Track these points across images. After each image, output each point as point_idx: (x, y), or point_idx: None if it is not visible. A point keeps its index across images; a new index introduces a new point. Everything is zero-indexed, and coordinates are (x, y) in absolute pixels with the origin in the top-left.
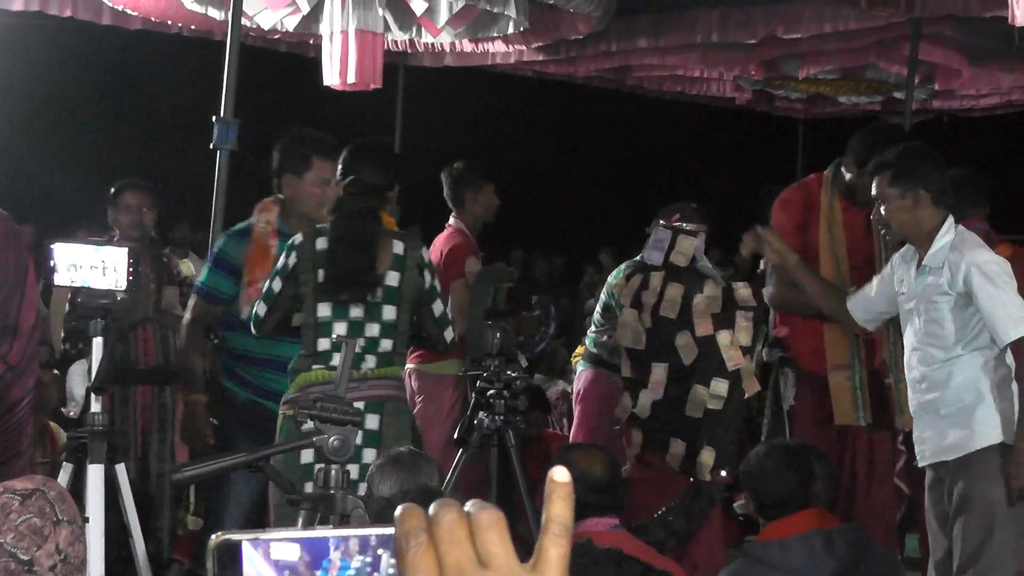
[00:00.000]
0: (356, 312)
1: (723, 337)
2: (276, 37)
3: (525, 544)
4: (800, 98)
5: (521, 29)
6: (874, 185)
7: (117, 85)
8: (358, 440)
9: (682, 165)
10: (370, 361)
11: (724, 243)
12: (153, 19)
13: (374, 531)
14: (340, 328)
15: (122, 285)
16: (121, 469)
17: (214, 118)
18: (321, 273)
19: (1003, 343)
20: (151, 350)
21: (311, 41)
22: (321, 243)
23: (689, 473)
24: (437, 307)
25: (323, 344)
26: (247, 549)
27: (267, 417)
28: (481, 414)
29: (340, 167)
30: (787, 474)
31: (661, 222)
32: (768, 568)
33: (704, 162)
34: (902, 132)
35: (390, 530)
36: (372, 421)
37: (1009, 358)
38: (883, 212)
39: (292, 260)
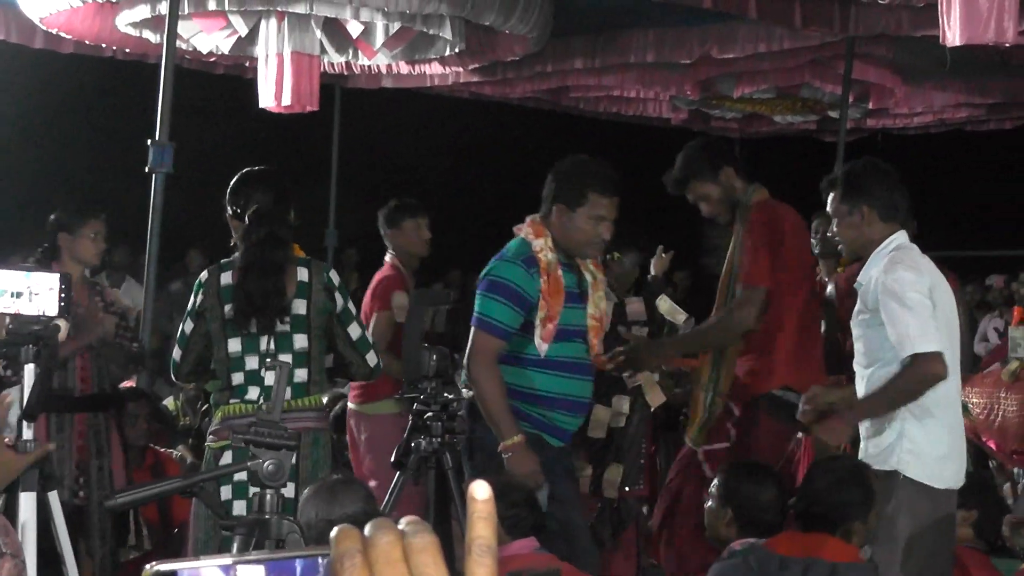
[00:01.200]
0: (265, 344)
1: None
2: (212, 60)
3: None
4: (736, 117)
5: (457, 50)
6: (828, 203)
7: (51, 108)
8: None
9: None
10: (286, 392)
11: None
12: (87, 42)
13: (304, 553)
14: (252, 362)
15: (53, 311)
16: (54, 496)
17: (149, 141)
18: (228, 308)
19: (900, 361)
20: (88, 377)
21: (247, 63)
22: (226, 278)
23: (597, 493)
24: (353, 330)
25: (237, 378)
26: None
27: (553, 452)
28: (419, 437)
29: (228, 196)
30: (773, 496)
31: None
32: None
33: (641, 182)
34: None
35: (325, 551)
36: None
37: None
38: (835, 229)
39: (199, 298)
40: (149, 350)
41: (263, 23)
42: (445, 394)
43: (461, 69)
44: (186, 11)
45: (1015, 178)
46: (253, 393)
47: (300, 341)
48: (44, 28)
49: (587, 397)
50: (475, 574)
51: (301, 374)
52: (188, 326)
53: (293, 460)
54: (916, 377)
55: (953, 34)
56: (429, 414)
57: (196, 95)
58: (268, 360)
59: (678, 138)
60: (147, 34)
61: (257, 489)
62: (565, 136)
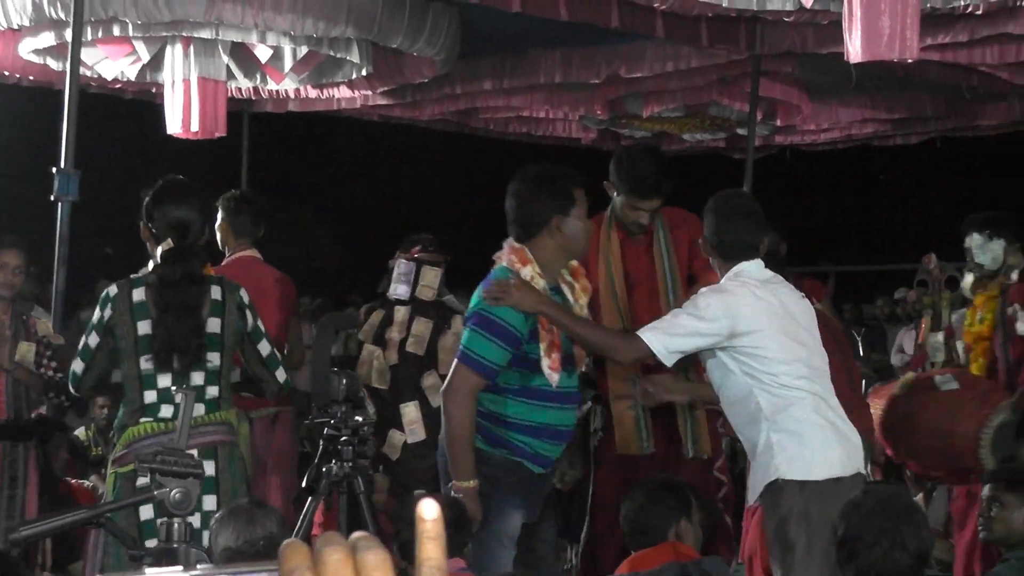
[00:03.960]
0: (178, 362)
1: None
2: (119, 86)
3: None
4: (645, 136)
5: (365, 73)
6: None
7: None
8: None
9: None
10: (199, 408)
11: None
12: None
13: (256, 569)
14: (164, 380)
15: None
16: None
17: (54, 169)
18: (141, 326)
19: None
20: (1, 404)
21: (153, 90)
22: (139, 294)
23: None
24: (263, 348)
25: (149, 396)
26: None
27: (532, 479)
28: (330, 462)
29: (145, 208)
30: (656, 507)
31: (403, 255)
32: None
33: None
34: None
35: (273, 567)
36: (208, 467)
37: (776, 393)
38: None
39: (107, 313)
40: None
41: (168, 49)
42: (355, 418)
43: (369, 92)
44: (90, 38)
45: (922, 192)
46: (166, 411)
47: (214, 359)
48: None
49: (571, 425)
50: None
51: (213, 391)
52: (93, 340)
53: (207, 479)
54: (611, 345)
55: (857, 51)
56: (340, 439)
57: (103, 122)
58: (173, 388)
59: (588, 158)
60: (51, 62)
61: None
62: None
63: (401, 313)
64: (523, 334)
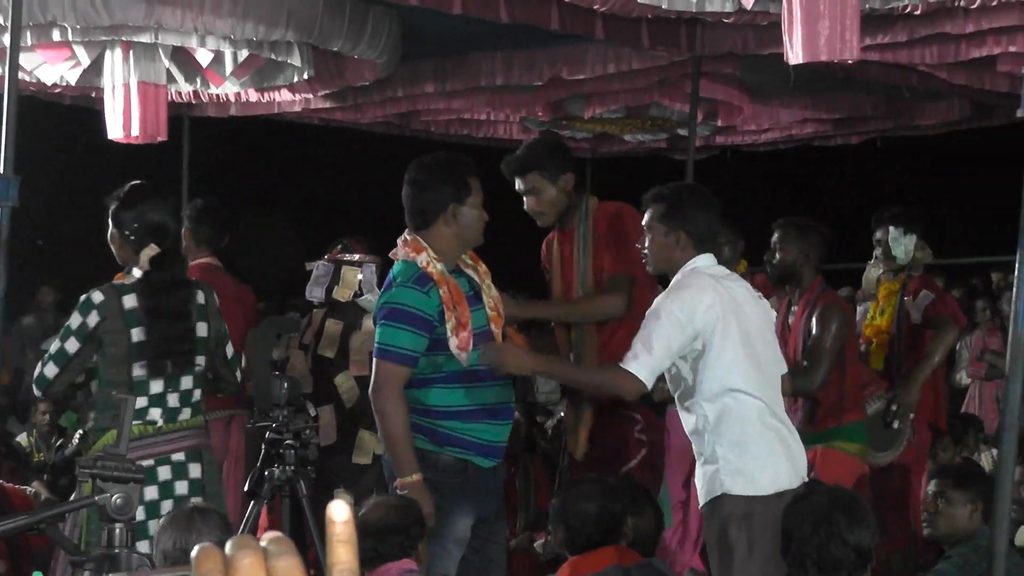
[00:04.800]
0: (171, 367)
1: None
2: (58, 91)
3: None
4: (587, 137)
5: (306, 77)
6: (646, 214)
7: None
8: (183, 490)
9: None
10: (185, 412)
11: (515, 287)
12: None
13: (168, 572)
14: (156, 385)
15: None
16: None
17: None
18: (135, 333)
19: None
20: None
21: (93, 95)
22: (129, 301)
23: None
24: (229, 349)
25: (140, 401)
26: None
27: (481, 476)
28: (272, 465)
29: (118, 214)
30: (598, 510)
31: (325, 257)
32: None
33: (492, 205)
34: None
35: (186, 571)
36: (195, 470)
37: (720, 401)
38: (646, 243)
39: (93, 320)
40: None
41: (108, 53)
42: (297, 421)
43: (311, 96)
44: (29, 43)
45: (863, 192)
46: (155, 414)
47: (200, 362)
48: None
49: (509, 402)
50: None
51: (197, 394)
52: (72, 346)
53: (193, 481)
54: (605, 384)
55: (796, 52)
56: (284, 442)
57: (43, 127)
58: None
59: None
60: None
61: (169, 503)
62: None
63: (317, 316)
64: (433, 316)
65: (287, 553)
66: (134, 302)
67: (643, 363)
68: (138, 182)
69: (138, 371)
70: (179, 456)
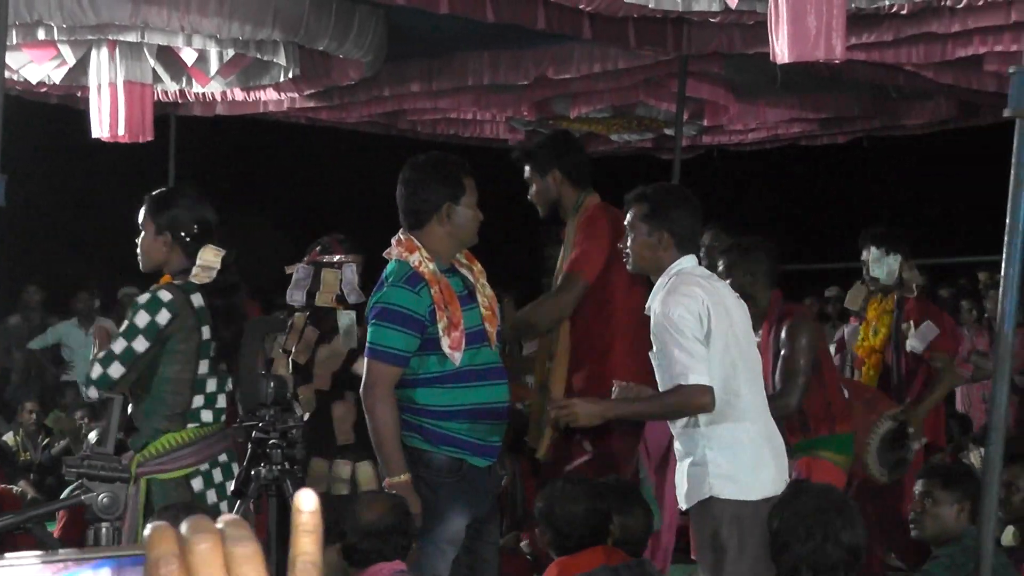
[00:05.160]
0: (223, 365)
1: (337, 408)
2: (44, 90)
3: None
4: None
5: (292, 76)
6: (628, 214)
7: None
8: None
9: None
10: (222, 414)
11: (501, 286)
12: None
13: (118, 553)
14: (211, 384)
15: None
16: None
17: None
18: (204, 331)
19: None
20: None
21: (79, 94)
22: (197, 300)
23: None
24: None
25: (197, 401)
26: None
27: (476, 475)
28: (259, 465)
29: (163, 214)
30: (586, 511)
31: (304, 259)
32: None
33: (481, 204)
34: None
35: (140, 551)
36: (236, 469)
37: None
38: (628, 242)
39: (164, 318)
40: None
41: (94, 52)
42: (284, 421)
43: (296, 95)
44: (15, 41)
45: (850, 191)
46: (207, 416)
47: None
48: None
49: (504, 401)
50: None
51: (223, 399)
52: (140, 345)
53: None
54: (680, 404)
55: (782, 52)
56: (269, 442)
57: (29, 126)
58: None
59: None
60: None
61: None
62: (402, 159)
63: (299, 320)
64: (424, 316)
65: (245, 539)
66: (201, 301)
67: (696, 370)
68: (182, 183)
69: (202, 369)
70: (223, 457)
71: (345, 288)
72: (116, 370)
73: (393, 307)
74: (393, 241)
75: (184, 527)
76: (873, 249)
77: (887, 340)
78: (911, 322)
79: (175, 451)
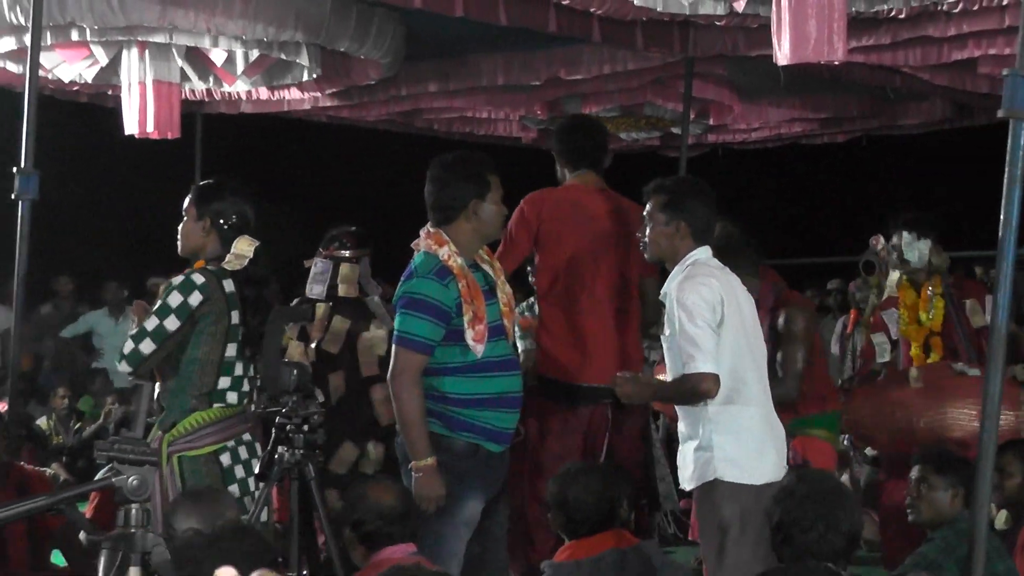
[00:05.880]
0: (250, 350)
1: (377, 391)
2: (76, 88)
3: None
4: None
5: (314, 76)
6: (647, 204)
7: None
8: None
9: None
10: (246, 398)
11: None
12: None
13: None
14: (239, 368)
15: None
16: None
17: (15, 169)
18: (234, 315)
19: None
20: None
21: (110, 92)
22: (228, 285)
23: None
24: None
25: (223, 383)
26: None
27: (490, 460)
28: (281, 448)
29: (209, 204)
30: (598, 495)
31: (322, 253)
32: None
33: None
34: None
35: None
36: (260, 449)
37: (722, 388)
38: (647, 232)
39: (196, 299)
40: (19, 372)
41: (125, 53)
42: (306, 407)
43: (318, 94)
44: (48, 42)
45: (849, 189)
46: (232, 397)
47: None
48: None
49: (518, 392)
50: None
51: (248, 383)
52: (172, 323)
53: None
54: (686, 391)
55: (785, 54)
56: (290, 427)
57: (61, 123)
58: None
59: (528, 157)
60: (10, 66)
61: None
62: (419, 156)
63: (321, 310)
64: (451, 308)
65: None
66: (232, 287)
67: (702, 358)
68: (228, 176)
69: (229, 352)
70: (247, 436)
71: (362, 281)
72: (147, 346)
73: (421, 297)
74: (422, 233)
75: None
76: (905, 234)
77: (947, 321)
78: (972, 300)
79: (202, 428)
